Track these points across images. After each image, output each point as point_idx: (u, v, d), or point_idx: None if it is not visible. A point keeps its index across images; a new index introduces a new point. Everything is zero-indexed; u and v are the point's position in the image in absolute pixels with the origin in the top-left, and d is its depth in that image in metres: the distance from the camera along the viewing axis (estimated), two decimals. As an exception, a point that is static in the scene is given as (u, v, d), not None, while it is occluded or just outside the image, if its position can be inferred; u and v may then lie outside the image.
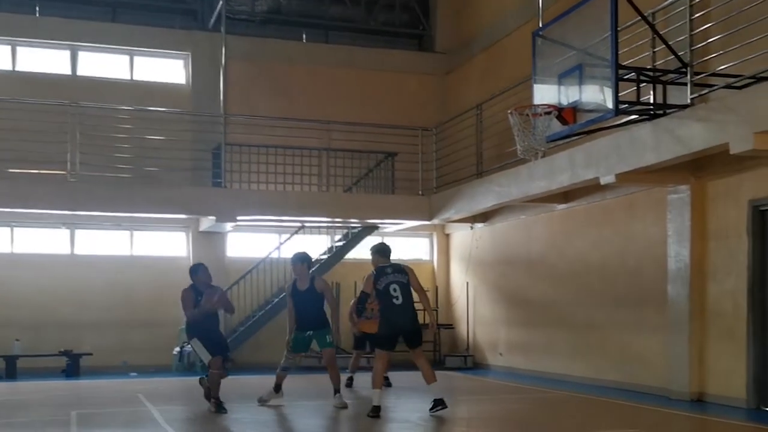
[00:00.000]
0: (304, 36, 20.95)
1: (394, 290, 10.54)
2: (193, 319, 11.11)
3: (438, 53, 21.43)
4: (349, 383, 14.02)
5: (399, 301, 10.53)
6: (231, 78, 19.35)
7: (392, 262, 10.98)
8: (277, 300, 18.38)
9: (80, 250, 18.54)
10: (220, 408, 10.98)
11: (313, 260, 12.60)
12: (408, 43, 21.95)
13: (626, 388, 13.64)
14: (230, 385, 11.40)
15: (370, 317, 14.32)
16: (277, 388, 11.75)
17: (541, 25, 13.01)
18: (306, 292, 11.56)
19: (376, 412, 10.42)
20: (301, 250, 12.19)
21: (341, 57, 20.65)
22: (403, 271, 10.76)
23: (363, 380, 14.72)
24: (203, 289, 11.34)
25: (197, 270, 11.53)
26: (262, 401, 11.69)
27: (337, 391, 11.54)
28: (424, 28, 21.78)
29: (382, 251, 11.09)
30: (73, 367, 17.03)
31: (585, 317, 15.01)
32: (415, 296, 10.79)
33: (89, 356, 17.36)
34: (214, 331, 11.39)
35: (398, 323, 10.57)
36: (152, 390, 14.08)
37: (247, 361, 17.75)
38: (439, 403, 10.57)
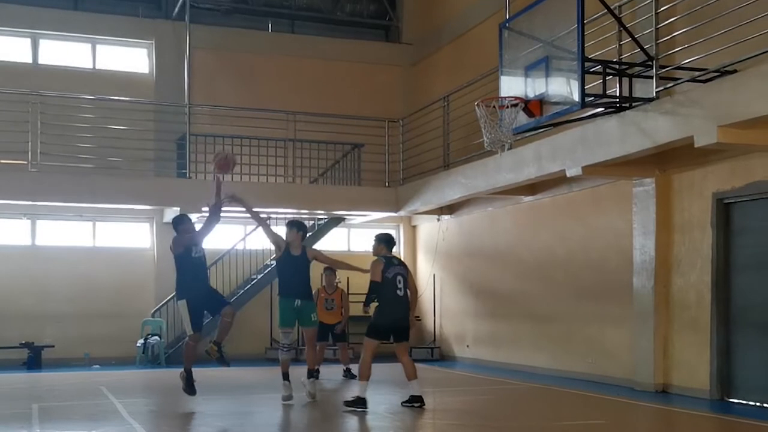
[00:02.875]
0: (269, 26, 20.82)
1: (399, 282, 10.46)
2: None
3: (405, 44, 21.39)
4: (316, 375, 13.96)
5: (401, 293, 10.46)
6: (195, 68, 19.17)
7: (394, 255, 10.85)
8: (242, 292, 18.29)
9: (42, 241, 18.32)
10: (189, 385, 10.76)
11: (307, 233, 12.34)
12: (375, 34, 21.89)
13: (591, 379, 13.73)
14: (196, 377, 11.24)
15: (332, 308, 14.32)
16: (285, 376, 11.11)
17: (508, 17, 12.99)
18: (298, 258, 11.34)
19: (363, 405, 10.28)
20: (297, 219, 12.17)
21: (307, 47, 20.55)
22: (404, 266, 10.78)
23: (328, 372, 14.71)
24: (185, 237, 10.95)
25: (183, 220, 11.09)
26: (286, 399, 11.03)
27: (312, 374, 11.40)
28: (391, 18, 21.72)
29: (387, 241, 10.81)
30: (34, 359, 16.84)
31: (551, 309, 15.07)
32: None
33: (51, 348, 17.18)
34: (203, 294, 10.89)
35: (396, 315, 10.46)
36: (115, 382, 13.94)
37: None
38: (416, 400, 10.48)
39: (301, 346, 18.47)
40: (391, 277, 10.43)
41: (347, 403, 10.45)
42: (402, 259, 10.96)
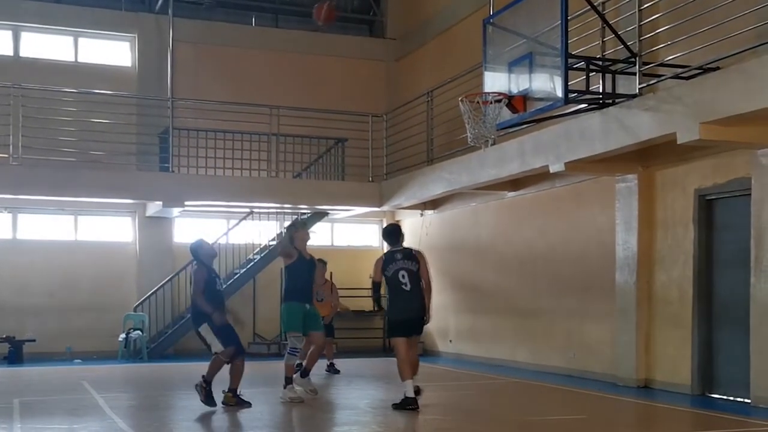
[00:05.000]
0: (253, 20, 20.75)
1: (403, 277, 10.16)
2: (201, 304, 10.13)
3: (389, 39, 21.37)
4: (299, 369, 13.93)
5: (407, 288, 10.16)
6: (178, 61, 19.10)
7: (404, 246, 10.48)
8: (225, 286, 18.19)
9: (23, 234, 18.21)
10: (209, 396, 10.22)
11: None
12: (359, 29, 21.86)
13: (574, 374, 13.78)
14: (179, 372, 11.22)
15: (321, 300, 14.30)
16: (290, 380, 10.86)
17: (492, 13, 13.00)
18: (309, 263, 11.16)
19: (413, 404, 9.99)
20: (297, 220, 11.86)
21: (291, 42, 20.49)
22: (413, 257, 10.31)
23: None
24: (209, 264, 10.49)
25: (202, 245, 10.55)
26: (297, 400, 10.78)
27: (307, 373, 11.29)
28: (375, 13, 21.70)
29: (387, 235, 10.61)
30: (15, 353, 16.75)
31: (533, 304, 15.11)
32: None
33: (32, 343, 17.08)
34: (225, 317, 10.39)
35: (407, 309, 10.21)
36: (97, 377, 13.88)
37: (195, 347, 17.54)
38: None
39: (284, 341, 18.52)
40: (391, 274, 10.21)
41: (396, 406, 10.12)
42: (419, 251, 10.44)
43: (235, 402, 10.33)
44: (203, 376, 10.27)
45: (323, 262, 14.18)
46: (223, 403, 10.30)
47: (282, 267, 11.69)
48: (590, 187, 13.66)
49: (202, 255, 10.49)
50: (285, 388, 10.86)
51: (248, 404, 10.38)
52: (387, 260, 10.33)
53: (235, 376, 10.40)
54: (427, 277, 10.36)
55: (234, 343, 10.27)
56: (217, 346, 10.18)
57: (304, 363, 11.68)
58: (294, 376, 11.11)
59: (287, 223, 19.27)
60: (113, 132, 16.72)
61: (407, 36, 20.70)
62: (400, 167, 17.89)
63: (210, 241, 10.86)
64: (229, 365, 10.34)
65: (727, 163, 11.01)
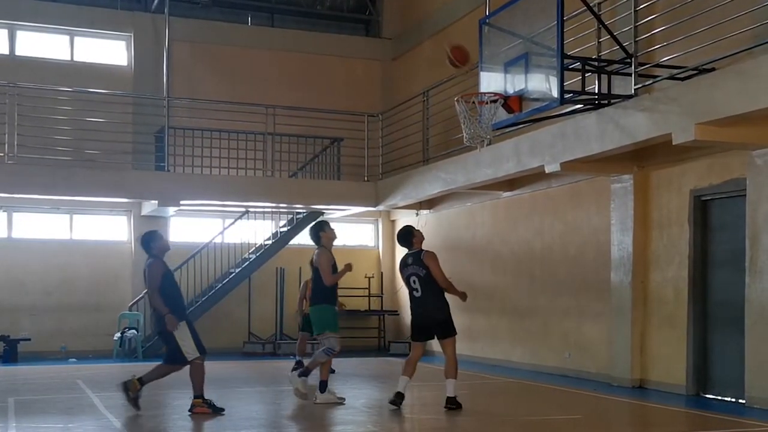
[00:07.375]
0: (249, 19, 20.75)
1: (414, 282, 10.16)
2: (157, 303, 9.67)
3: (385, 39, 21.38)
4: (297, 368, 13.93)
5: (418, 294, 10.16)
6: (174, 60, 19.09)
7: (420, 248, 10.38)
8: (220, 285, 18.24)
9: (18, 233, 18.20)
10: (214, 406, 9.83)
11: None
12: (355, 28, 21.87)
13: (568, 374, 13.80)
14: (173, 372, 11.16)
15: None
16: (304, 373, 10.62)
17: (488, 13, 13.01)
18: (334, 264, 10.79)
19: (398, 398, 10.10)
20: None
21: (287, 41, 20.49)
22: (421, 261, 10.15)
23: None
24: (162, 258, 9.83)
25: (155, 237, 9.90)
26: (304, 396, 10.60)
27: (325, 386, 10.70)
28: (371, 13, 21.70)
29: (398, 238, 10.58)
30: (10, 352, 16.73)
31: (529, 304, 15.13)
32: None
33: (27, 341, 17.06)
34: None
35: (417, 314, 10.30)
36: (92, 376, 13.87)
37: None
38: (449, 402, 10.24)
39: (279, 340, 18.55)
40: (405, 278, 10.28)
41: (391, 401, 10.19)
42: (429, 252, 10.33)
43: (136, 395, 9.75)
44: (195, 397, 9.81)
45: None
46: (122, 386, 9.85)
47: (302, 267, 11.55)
48: (586, 187, 13.68)
49: (155, 248, 9.83)
50: (322, 392, 10.55)
51: (139, 408, 9.77)
52: (401, 265, 10.43)
53: (160, 375, 9.92)
54: (440, 277, 10.15)
55: (204, 351, 9.85)
56: (192, 350, 9.72)
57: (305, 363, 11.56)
58: (292, 373, 11.08)
59: (282, 223, 19.33)
60: (109, 131, 16.72)
61: (403, 35, 20.70)
62: (396, 167, 17.89)
63: (165, 235, 10.41)
64: (165, 364, 9.86)
65: (723, 164, 11.03)
